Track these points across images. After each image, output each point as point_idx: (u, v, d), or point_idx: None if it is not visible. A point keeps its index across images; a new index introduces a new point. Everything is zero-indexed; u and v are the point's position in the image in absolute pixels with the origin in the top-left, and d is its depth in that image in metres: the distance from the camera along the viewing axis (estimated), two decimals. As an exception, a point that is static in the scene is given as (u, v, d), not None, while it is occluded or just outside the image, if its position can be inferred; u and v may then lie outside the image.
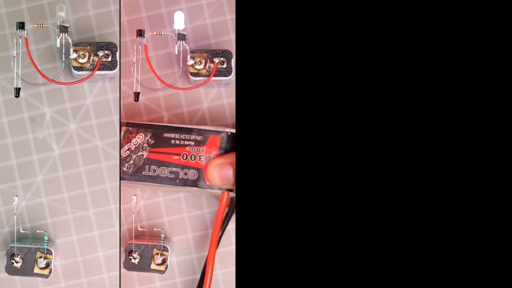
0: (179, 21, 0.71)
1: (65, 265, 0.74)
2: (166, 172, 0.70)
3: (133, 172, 0.70)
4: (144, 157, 0.70)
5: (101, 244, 0.74)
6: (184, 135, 0.70)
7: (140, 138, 0.70)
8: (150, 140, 0.70)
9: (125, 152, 0.71)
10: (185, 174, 0.70)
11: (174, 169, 0.70)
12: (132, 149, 0.71)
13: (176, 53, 0.72)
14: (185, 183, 0.70)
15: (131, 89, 0.74)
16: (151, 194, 0.74)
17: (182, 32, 0.71)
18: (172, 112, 0.74)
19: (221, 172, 0.69)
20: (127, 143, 0.71)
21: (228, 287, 0.74)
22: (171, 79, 0.73)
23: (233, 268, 0.74)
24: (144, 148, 0.70)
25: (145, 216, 0.74)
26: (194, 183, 0.70)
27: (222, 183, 0.69)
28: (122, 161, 0.71)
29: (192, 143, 0.70)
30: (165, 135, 0.70)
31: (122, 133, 0.71)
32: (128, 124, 0.71)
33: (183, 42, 0.71)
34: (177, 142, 0.70)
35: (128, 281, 0.74)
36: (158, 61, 0.74)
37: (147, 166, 0.70)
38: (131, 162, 0.70)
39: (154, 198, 0.74)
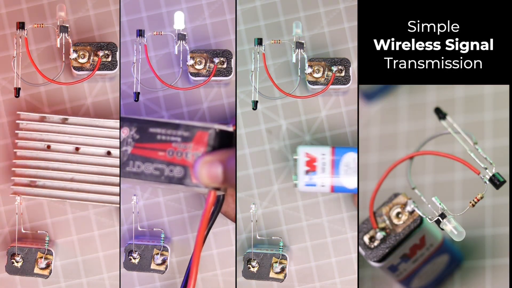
0: (179, 21, 0.71)
1: (65, 265, 0.74)
2: (151, 168, 0.66)
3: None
4: (129, 152, 0.67)
5: (101, 244, 0.74)
6: (170, 130, 0.66)
7: (125, 133, 0.67)
8: (135, 134, 0.67)
9: None
10: (171, 171, 0.66)
11: (160, 166, 0.66)
12: None
13: (176, 53, 0.72)
14: (171, 180, 0.66)
15: (131, 89, 0.74)
16: (151, 194, 0.74)
17: (182, 32, 0.71)
18: (172, 112, 0.74)
19: (210, 170, 0.65)
20: None
21: (228, 287, 0.74)
22: (171, 79, 0.73)
23: (233, 268, 0.74)
24: (128, 143, 0.67)
25: (145, 216, 0.74)
26: (180, 181, 0.66)
27: (210, 181, 0.65)
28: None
29: (179, 139, 0.66)
30: (151, 130, 0.67)
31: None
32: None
33: (183, 42, 0.71)
34: (163, 137, 0.66)
35: (128, 281, 0.74)
36: (158, 61, 0.74)
37: (131, 161, 0.67)
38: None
39: (154, 198, 0.74)
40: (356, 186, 0.69)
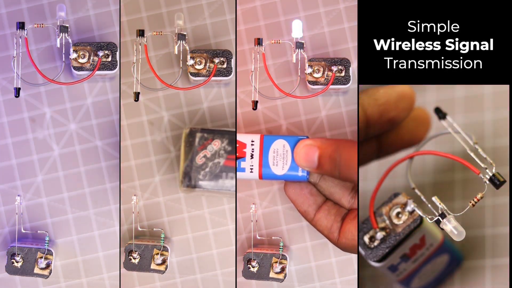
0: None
1: (65, 265, 0.74)
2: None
3: (209, 180, 0.69)
4: (221, 164, 0.69)
5: (101, 244, 0.74)
6: None
7: (216, 145, 0.69)
8: (227, 146, 0.69)
9: (200, 159, 0.69)
10: None
11: None
12: (208, 156, 0.70)
13: (176, 53, 0.72)
14: None
15: (131, 89, 0.74)
16: (151, 194, 0.74)
17: (182, 32, 0.71)
18: (172, 112, 0.74)
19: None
20: (202, 150, 0.69)
21: (228, 287, 0.74)
22: (171, 79, 0.73)
23: (233, 268, 0.74)
24: (221, 155, 0.69)
25: (145, 216, 0.74)
26: None
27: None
28: (197, 168, 0.70)
29: None
30: None
31: (196, 139, 0.69)
32: (203, 131, 0.70)
33: (183, 42, 0.71)
34: None
35: (128, 281, 0.74)
36: (158, 61, 0.74)
37: (224, 173, 0.69)
38: (207, 169, 0.69)
39: (154, 198, 0.74)
40: (284, 172, 0.68)
